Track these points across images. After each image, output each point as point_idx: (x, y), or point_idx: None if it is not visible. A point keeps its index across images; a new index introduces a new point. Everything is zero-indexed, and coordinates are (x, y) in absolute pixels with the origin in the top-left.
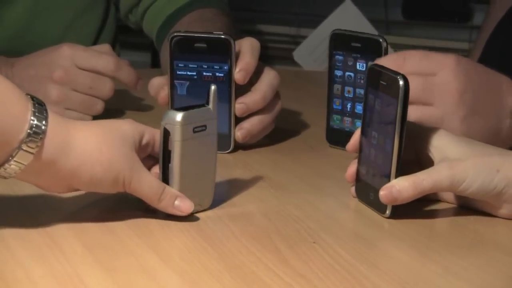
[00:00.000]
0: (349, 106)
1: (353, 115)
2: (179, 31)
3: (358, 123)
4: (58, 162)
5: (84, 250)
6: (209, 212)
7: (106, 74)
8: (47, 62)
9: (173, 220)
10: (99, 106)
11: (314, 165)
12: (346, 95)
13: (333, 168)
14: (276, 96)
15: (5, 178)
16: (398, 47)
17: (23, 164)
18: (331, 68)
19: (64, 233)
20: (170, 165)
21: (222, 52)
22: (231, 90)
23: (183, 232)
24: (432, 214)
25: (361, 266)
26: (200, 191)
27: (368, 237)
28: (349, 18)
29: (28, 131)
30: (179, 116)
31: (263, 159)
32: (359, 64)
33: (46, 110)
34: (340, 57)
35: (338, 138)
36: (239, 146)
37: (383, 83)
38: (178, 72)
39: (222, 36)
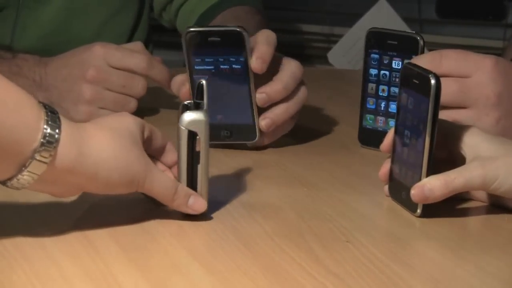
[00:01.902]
0: (383, 105)
1: (387, 114)
2: (193, 26)
3: (392, 122)
4: (73, 171)
5: (118, 250)
6: (242, 211)
7: (139, 73)
8: (80, 62)
9: (207, 220)
10: (132, 105)
11: (347, 164)
12: (380, 94)
13: (367, 167)
14: (301, 83)
15: (17, 189)
16: (431, 46)
17: (36, 174)
18: (366, 67)
19: (98, 232)
20: (199, 165)
21: (237, 44)
22: (250, 81)
23: (217, 231)
24: (465, 213)
25: (395, 265)
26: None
27: (401, 236)
28: (383, 17)
29: (41, 140)
30: (201, 115)
31: (296, 158)
32: (395, 62)
33: (59, 118)
34: (376, 56)
35: (370, 138)
36: (271, 145)
37: (415, 82)
38: (196, 67)
39: (233, 28)
